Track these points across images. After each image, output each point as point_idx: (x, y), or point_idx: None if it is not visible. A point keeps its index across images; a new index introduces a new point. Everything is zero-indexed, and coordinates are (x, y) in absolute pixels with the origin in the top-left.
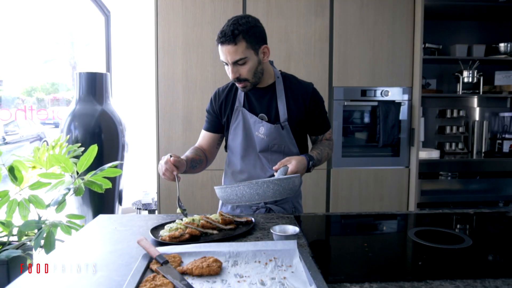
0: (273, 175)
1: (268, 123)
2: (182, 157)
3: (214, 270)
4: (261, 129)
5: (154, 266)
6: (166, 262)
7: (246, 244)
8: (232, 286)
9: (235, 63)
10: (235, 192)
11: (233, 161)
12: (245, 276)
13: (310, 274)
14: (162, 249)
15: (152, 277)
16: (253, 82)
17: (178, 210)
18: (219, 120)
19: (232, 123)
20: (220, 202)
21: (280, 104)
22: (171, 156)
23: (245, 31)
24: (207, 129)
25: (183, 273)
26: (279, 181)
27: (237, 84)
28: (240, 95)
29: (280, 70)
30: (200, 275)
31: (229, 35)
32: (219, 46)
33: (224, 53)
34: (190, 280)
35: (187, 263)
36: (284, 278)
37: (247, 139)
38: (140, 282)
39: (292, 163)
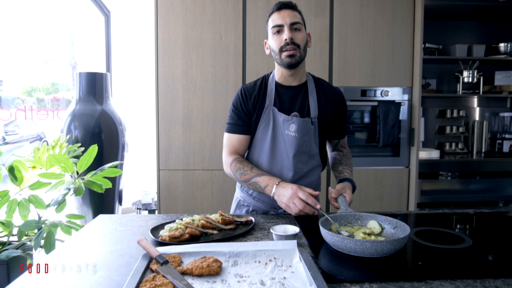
0: (296, 174)
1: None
2: (262, 176)
3: (214, 270)
4: (291, 127)
5: (154, 266)
6: (166, 262)
7: (246, 244)
8: (232, 286)
9: (292, 26)
10: (347, 241)
11: (258, 162)
12: (245, 276)
13: (310, 274)
14: (162, 249)
15: (152, 277)
16: (301, 54)
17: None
18: (251, 118)
19: (261, 122)
20: (234, 204)
21: (312, 101)
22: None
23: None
24: (243, 132)
25: (183, 273)
26: (395, 241)
27: (285, 52)
28: (270, 93)
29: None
30: (200, 275)
31: (290, 2)
32: (276, 13)
33: (281, 16)
34: (190, 280)
35: (187, 263)
36: (284, 278)
37: (275, 139)
38: (140, 282)
39: (348, 192)
